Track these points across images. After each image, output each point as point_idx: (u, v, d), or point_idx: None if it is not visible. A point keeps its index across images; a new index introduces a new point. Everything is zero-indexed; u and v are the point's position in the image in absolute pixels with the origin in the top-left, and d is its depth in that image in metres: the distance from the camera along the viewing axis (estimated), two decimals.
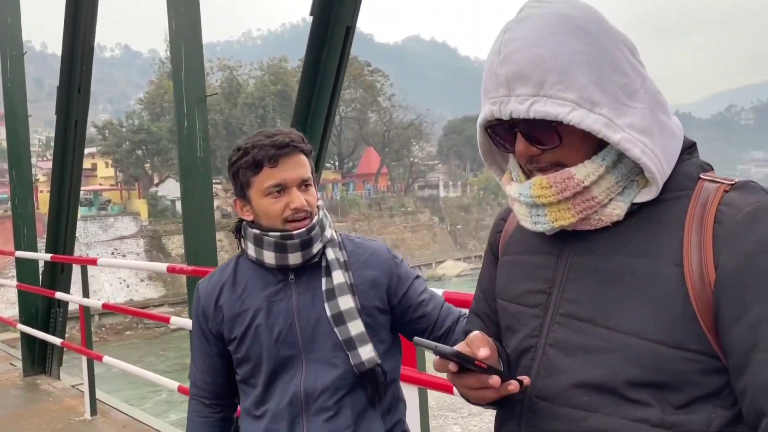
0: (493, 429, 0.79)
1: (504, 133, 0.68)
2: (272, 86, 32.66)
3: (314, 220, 1.07)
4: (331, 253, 1.09)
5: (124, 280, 25.72)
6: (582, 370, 0.63)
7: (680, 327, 0.59)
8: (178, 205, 27.59)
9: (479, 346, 0.65)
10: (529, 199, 0.67)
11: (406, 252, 31.75)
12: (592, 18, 0.64)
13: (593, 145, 0.65)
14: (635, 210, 0.65)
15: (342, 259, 1.11)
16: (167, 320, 3.42)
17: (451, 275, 30.65)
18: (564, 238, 0.70)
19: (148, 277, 26.20)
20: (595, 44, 0.63)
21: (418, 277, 1.20)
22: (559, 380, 0.65)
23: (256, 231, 1.07)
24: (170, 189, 31.79)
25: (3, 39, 4.67)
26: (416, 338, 0.70)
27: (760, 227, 0.57)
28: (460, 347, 0.66)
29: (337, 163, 41.51)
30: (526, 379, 0.65)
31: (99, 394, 4.02)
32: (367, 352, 1.04)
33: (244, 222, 1.11)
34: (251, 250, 1.09)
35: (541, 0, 0.66)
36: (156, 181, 34.85)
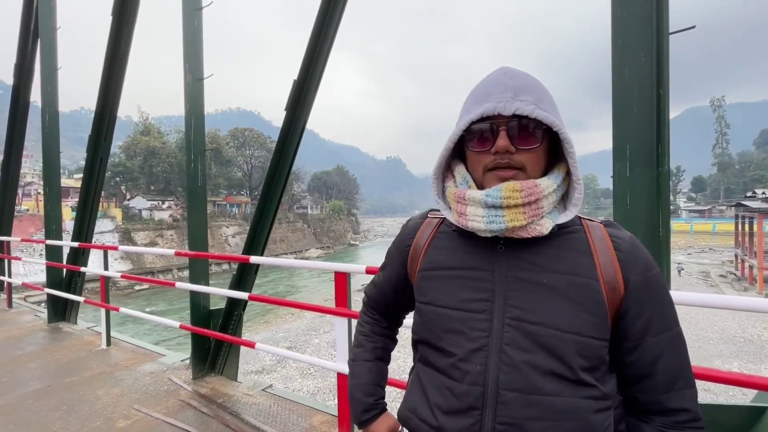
0: None
1: (485, 132, 0.79)
2: (210, 144, 50.17)
3: None
4: None
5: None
6: (545, 363, 0.75)
7: (601, 324, 0.78)
8: (144, 213, 42.49)
9: None
10: (498, 200, 0.77)
11: (288, 245, 53.43)
12: None
13: (545, 165, 0.82)
14: (549, 235, 0.80)
15: None
16: (173, 285, 3.92)
17: (312, 256, 52.75)
18: (493, 256, 0.82)
19: (120, 257, 34.02)
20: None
21: None
22: (528, 373, 0.75)
23: None
24: (138, 203, 44.23)
25: (44, 102, 5.94)
26: None
27: (642, 252, 0.82)
28: None
29: (248, 192, 62.17)
30: None
31: (112, 333, 4.81)
32: None
33: None
34: None
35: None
36: (128, 197, 48.00)
